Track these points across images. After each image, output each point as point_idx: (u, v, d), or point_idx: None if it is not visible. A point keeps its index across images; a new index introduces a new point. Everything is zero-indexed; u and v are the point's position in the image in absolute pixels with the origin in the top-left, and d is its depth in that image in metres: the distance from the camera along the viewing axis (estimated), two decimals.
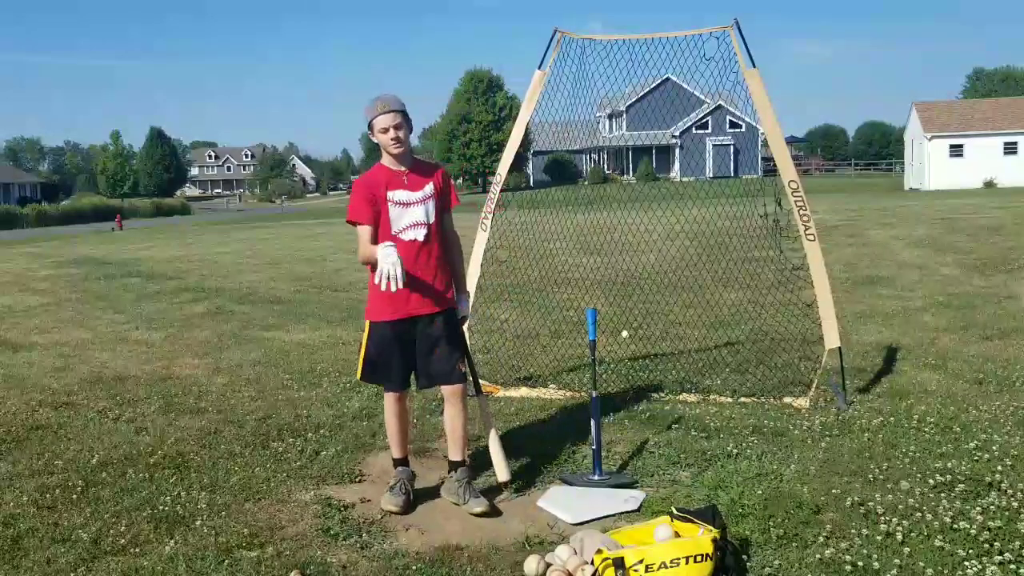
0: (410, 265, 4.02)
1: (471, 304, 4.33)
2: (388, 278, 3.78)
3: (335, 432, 5.42)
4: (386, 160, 4.15)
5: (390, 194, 4.08)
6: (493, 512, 4.09)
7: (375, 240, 4.04)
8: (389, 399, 4.30)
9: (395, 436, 4.34)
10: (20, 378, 7.20)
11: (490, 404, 5.86)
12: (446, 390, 4.27)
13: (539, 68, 6.00)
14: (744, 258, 9.35)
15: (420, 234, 4.11)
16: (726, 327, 8.07)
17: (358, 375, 4.33)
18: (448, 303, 4.25)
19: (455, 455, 4.33)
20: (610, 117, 52.42)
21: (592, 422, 4.59)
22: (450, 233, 4.33)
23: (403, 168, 4.13)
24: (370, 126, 4.06)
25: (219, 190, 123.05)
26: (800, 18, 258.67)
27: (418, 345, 4.18)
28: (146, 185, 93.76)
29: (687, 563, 3.24)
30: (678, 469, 4.58)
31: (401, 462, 4.35)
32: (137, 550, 3.80)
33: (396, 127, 4.02)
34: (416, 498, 4.26)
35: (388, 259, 3.80)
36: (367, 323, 4.21)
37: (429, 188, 4.15)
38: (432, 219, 4.15)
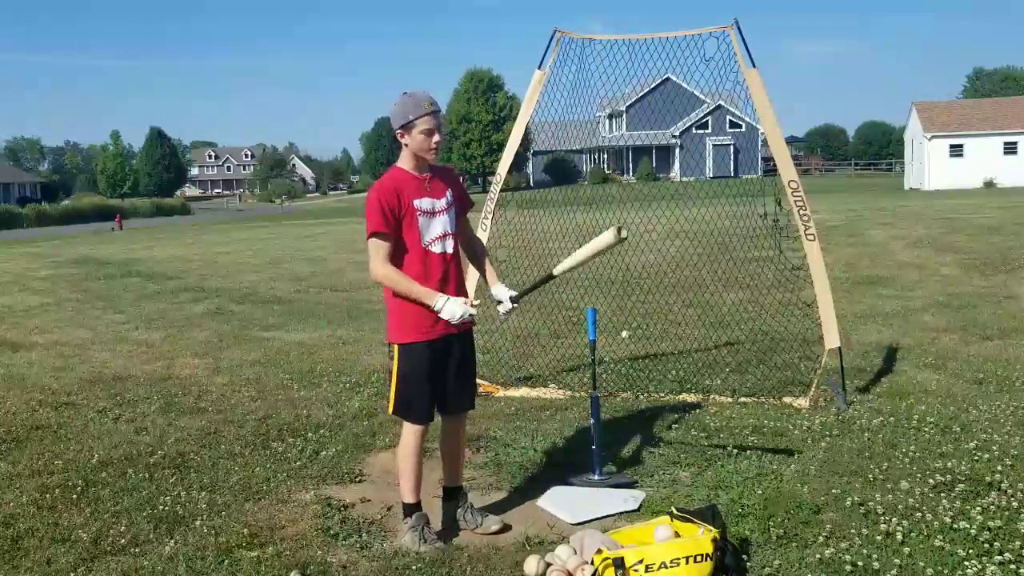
0: (438, 281, 3.74)
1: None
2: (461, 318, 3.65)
3: (335, 432, 5.42)
4: (406, 163, 3.75)
5: (416, 202, 3.69)
6: (507, 527, 3.94)
7: (398, 255, 3.70)
8: (415, 436, 3.79)
9: (415, 479, 3.83)
10: (20, 378, 7.20)
11: (490, 404, 5.88)
12: (455, 420, 4.00)
13: (539, 68, 6.00)
14: (744, 258, 9.36)
15: (448, 246, 3.79)
16: (726, 327, 8.06)
17: (390, 409, 3.83)
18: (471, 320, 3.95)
19: (455, 481, 4.05)
20: (610, 117, 52.37)
21: (592, 422, 4.59)
22: (475, 240, 4.07)
23: (425, 173, 3.77)
24: (407, 124, 3.63)
25: (219, 190, 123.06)
26: (800, 18, 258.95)
27: (449, 369, 3.81)
28: (146, 185, 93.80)
29: (687, 563, 3.24)
30: (678, 469, 4.57)
31: (416, 507, 3.85)
32: (137, 550, 3.80)
33: (440, 130, 3.67)
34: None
35: (456, 313, 3.62)
36: (395, 347, 3.76)
37: (450, 194, 3.83)
38: (455, 228, 3.84)
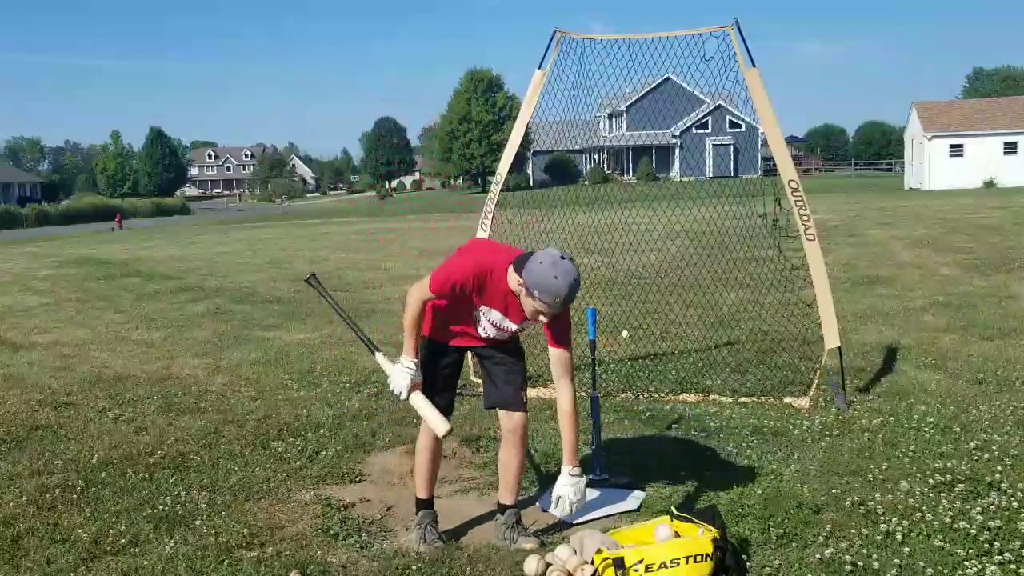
0: (465, 328, 3.69)
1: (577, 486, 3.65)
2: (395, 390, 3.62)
3: (335, 432, 5.42)
4: (515, 285, 3.45)
5: (484, 308, 3.58)
6: (542, 545, 3.81)
7: (448, 306, 3.63)
8: (426, 432, 3.81)
9: (427, 475, 3.86)
10: (20, 378, 7.20)
11: None
12: (506, 423, 3.77)
13: (539, 68, 5.99)
14: (744, 258, 9.36)
15: (498, 339, 3.72)
16: (726, 327, 8.06)
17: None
18: (515, 339, 3.85)
19: (506, 498, 3.85)
20: (610, 117, 52.44)
21: (592, 422, 4.59)
22: (561, 384, 3.61)
23: (511, 296, 3.53)
24: (530, 290, 3.33)
25: (219, 190, 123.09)
26: (800, 18, 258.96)
27: (484, 365, 3.81)
28: (146, 185, 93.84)
29: (687, 563, 3.24)
30: (678, 469, 4.57)
31: (427, 504, 3.89)
32: (137, 550, 3.80)
33: (549, 315, 3.41)
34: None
35: (394, 385, 3.60)
36: (426, 339, 3.73)
37: (527, 323, 3.64)
38: (514, 333, 3.72)
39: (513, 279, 3.44)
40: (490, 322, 3.66)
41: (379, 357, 3.75)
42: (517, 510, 3.87)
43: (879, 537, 3.62)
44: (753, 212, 6.15)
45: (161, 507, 4.25)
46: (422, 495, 3.90)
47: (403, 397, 3.63)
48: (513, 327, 3.66)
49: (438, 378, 3.78)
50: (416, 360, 3.63)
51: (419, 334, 3.63)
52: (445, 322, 3.72)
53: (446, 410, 3.77)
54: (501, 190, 6.32)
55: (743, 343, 7.46)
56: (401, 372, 3.61)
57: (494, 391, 3.81)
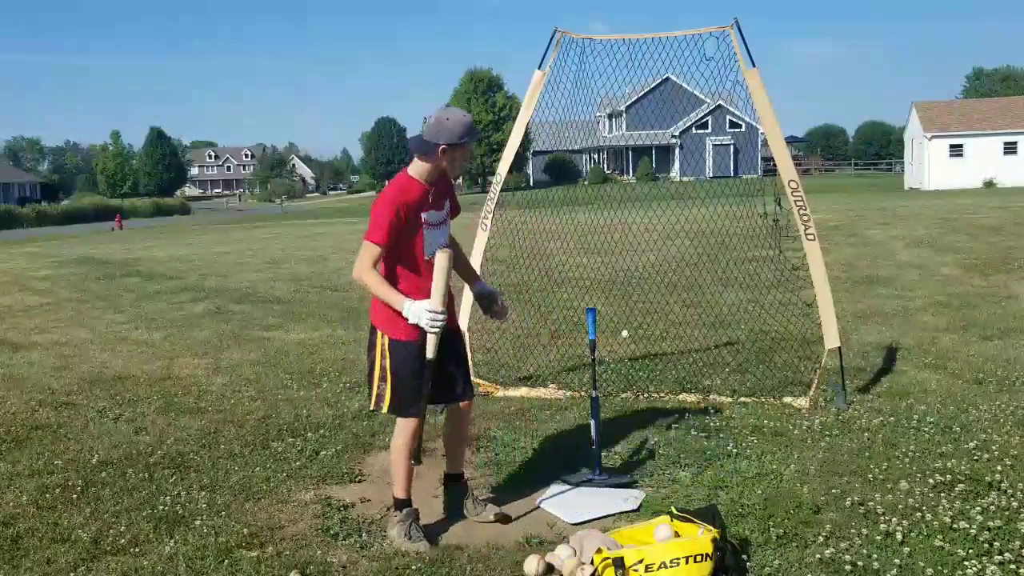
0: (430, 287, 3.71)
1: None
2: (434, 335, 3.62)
3: (335, 432, 5.42)
4: (420, 173, 3.70)
5: (424, 216, 3.72)
6: (507, 517, 3.99)
7: (401, 264, 3.72)
8: (409, 433, 3.80)
9: (407, 476, 3.87)
10: (20, 378, 7.20)
11: (490, 404, 5.88)
12: (463, 404, 4.02)
13: (539, 68, 5.99)
14: (744, 258, 9.35)
15: (445, 241, 3.89)
16: (726, 327, 8.06)
17: (385, 407, 3.79)
18: (455, 317, 4.09)
19: (457, 468, 4.11)
20: (610, 117, 52.44)
21: (592, 422, 4.59)
22: (455, 243, 4.06)
23: (432, 184, 3.75)
24: (457, 144, 3.63)
25: (219, 190, 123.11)
26: (800, 18, 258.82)
27: (442, 360, 3.79)
28: (146, 185, 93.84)
29: (687, 563, 3.24)
30: (678, 469, 4.58)
31: (407, 503, 3.90)
32: (137, 550, 3.80)
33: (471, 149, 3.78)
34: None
35: (433, 324, 3.57)
36: (388, 342, 3.75)
37: (446, 204, 3.87)
38: (449, 237, 3.94)
39: (424, 161, 3.67)
40: (434, 226, 3.77)
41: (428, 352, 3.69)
42: (467, 480, 4.14)
43: (879, 537, 3.63)
44: (753, 212, 6.15)
45: (161, 507, 4.25)
46: (401, 495, 3.89)
47: (437, 311, 3.57)
48: (442, 214, 3.84)
49: (425, 382, 3.74)
50: (408, 297, 3.62)
51: (392, 286, 3.67)
52: (404, 292, 3.69)
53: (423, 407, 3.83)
54: (501, 190, 6.32)
55: (743, 343, 7.46)
56: (414, 313, 3.58)
57: (453, 388, 3.94)
